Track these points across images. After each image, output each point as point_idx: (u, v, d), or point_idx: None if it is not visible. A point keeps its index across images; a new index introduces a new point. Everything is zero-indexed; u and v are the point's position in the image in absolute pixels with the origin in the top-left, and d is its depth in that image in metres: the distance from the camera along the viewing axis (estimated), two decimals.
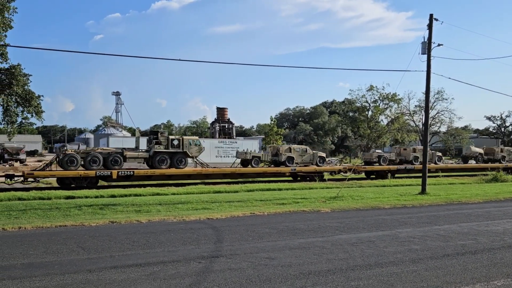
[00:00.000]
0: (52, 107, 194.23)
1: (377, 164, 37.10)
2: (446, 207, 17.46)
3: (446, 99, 66.91)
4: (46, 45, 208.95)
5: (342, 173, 34.63)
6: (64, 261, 8.43)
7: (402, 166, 37.08)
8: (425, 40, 23.07)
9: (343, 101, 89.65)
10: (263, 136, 75.10)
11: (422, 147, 40.84)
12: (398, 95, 65.96)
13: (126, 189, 23.53)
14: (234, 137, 74.84)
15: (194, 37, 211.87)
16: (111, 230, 11.88)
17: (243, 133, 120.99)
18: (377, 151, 40.94)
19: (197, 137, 31.83)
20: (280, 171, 32.11)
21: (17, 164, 43.46)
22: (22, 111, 36.25)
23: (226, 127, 77.80)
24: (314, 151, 35.09)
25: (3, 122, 35.98)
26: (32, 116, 36.65)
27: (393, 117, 67.13)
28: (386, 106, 67.11)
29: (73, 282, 7.10)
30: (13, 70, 34.50)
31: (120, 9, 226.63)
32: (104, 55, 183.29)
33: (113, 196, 21.00)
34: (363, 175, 36.98)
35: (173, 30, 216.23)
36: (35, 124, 56.81)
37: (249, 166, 31.98)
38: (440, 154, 41.57)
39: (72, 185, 24.93)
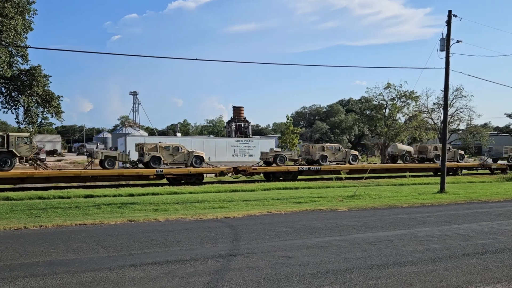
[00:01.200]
0: (71, 107, 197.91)
1: (274, 164, 32.50)
2: (466, 206, 17.21)
3: (465, 96, 65.55)
4: (64, 46, 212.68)
5: (229, 175, 31.51)
6: (84, 259, 8.57)
7: (306, 167, 32.60)
8: (444, 36, 22.74)
9: (360, 99, 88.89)
10: (279, 135, 74.98)
11: (331, 145, 35.89)
12: (416, 92, 65.04)
13: (144, 188, 23.86)
14: (250, 136, 74.97)
15: (210, 36, 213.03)
16: (129, 228, 12.02)
17: (259, 132, 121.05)
18: (275, 149, 34.88)
19: (27, 134, 27.91)
20: (141, 173, 27.90)
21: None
22: (42, 112, 36.90)
23: (242, 126, 78.01)
24: (190, 150, 30.34)
25: (24, 122, 36.68)
26: (52, 116, 37.29)
27: (411, 115, 66.26)
28: (403, 104, 66.32)
29: (93, 279, 7.22)
30: (34, 71, 35.17)
31: (137, 10, 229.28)
32: (120, 55, 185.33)
33: (131, 195, 21.36)
34: (261, 176, 32.55)
35: (189, 29, 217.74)
36: (55, 124, 57.79)
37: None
38: (356, 153, 36.19)
39: None
